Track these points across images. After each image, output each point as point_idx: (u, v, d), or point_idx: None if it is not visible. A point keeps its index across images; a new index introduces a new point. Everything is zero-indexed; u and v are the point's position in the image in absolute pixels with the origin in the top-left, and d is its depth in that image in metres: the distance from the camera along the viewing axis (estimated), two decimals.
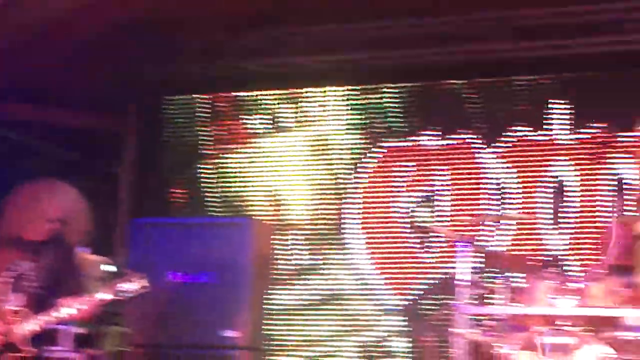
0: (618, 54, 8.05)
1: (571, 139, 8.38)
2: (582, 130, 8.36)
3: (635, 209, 7.93)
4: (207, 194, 9.33)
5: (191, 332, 7.43)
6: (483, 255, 7.42)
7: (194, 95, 9.48)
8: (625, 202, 8.11)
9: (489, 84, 8.62)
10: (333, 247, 8.86)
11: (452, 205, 8.58)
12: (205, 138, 9.41)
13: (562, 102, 8.41)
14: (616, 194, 8.16)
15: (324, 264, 8.83)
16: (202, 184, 9.36)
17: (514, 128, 8.52)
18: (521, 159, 8.49)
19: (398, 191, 8.75)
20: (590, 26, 7.88)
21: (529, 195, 8.41)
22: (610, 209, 8.17)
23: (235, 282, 7.49)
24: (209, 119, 9.42)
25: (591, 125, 8.32)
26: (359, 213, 8.88)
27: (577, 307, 6.19)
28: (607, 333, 6.13)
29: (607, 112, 8.25)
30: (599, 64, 8.19)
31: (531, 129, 8.49)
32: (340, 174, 8.96)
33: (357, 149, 8.94)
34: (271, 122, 9.24)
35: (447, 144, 8.66)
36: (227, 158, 9.32)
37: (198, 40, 8.71)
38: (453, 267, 6.62)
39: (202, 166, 9.38)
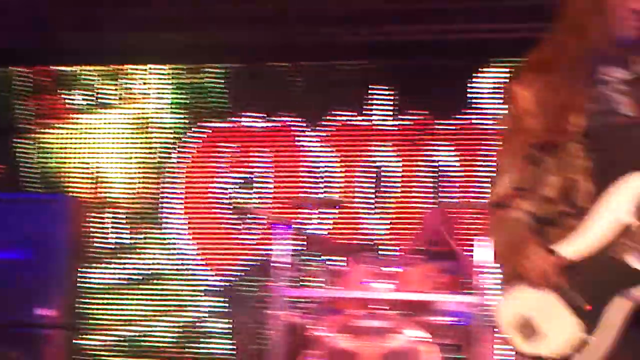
0: (440, 42, 8.21)
1: (392, 125, 8.49)
2: (403, 117, 8.47)
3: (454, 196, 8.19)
4: (24, 170, 9.04)
5: (3, 309, 7.20)
6: (302, 238, 7.46)
7: (10, 68, 9.14)
8: (444, 189, 8.30)
9: (312, 67, 8.64)
10: (153, 226, 8.75)
11: (273, 188, 8.59)
12: (23, 112, 9.10)
13: (385, 87, 8.52)
14: (435, 181, 8.33)
15: (143, 243, 8.71)
16: (19, 160, 9.07)
17: (336, 112, 8.56)
18: (343, 143, 8.56)
19: (219, 172, 8.70)
20: (413, 13, 7.95)
21: (350, 179, 8.50)
22: (429, 195, 8.34)
23: (49, 260, 7.29)
24: (27, 92, 9.12)
25: (412, 111, 8.44)
26: (179, 193, 8.79)
27: (393, 292, 6.29)
28: (422, 317, 6.27)
29: (428, 99, 8.38)
30: (420, 50, 8.31)
31: (353, 113, 8.56)
32: (162, 153, 8.84)
33: (180, 128, 8.83)
34: (93, 98, 9.02)
35: (270, 127, 8.66)
36: (45, 133, 9.05)
37: (17, 13, 8.38)
38: (272, 250, 6.64)
39: (19, 141, 9.07)
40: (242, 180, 8.66)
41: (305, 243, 7.59)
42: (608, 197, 2.88)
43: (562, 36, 3.14)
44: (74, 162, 9.00)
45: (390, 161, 8.46)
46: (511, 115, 3.19)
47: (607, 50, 3.06)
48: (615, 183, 2.87)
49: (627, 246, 2.83)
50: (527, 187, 3.08)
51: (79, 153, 9.01)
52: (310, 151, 8.61)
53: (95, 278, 8.66)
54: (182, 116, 8.84)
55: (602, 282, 2.83)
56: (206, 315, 8.52)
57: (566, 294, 2.87)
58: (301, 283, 6.89)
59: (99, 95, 9.00)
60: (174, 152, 8.82)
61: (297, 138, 8.65)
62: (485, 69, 8.38)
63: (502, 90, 8.03)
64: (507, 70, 8.27)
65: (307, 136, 8.63)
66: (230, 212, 8.61)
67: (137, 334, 8.61)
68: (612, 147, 2.95)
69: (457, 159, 8.33)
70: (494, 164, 8.06)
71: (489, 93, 8.34)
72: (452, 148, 8.35)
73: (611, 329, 2.79)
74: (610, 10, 3.03)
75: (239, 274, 8.53)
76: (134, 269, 8.71)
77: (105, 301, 8.68)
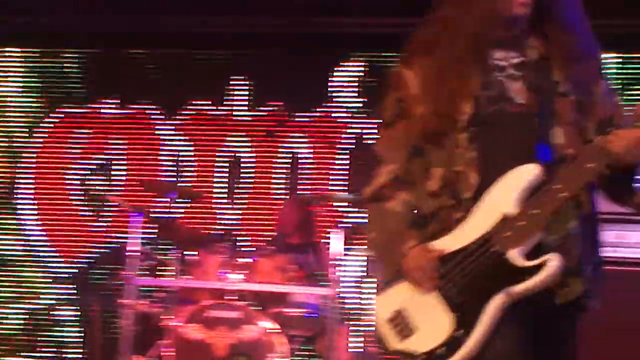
0: (300, 34, 8.25)
1: (249, 115, 8.52)
2: (259, 108, 8.51)
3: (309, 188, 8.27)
4: None
5: None
6: (156, 226, 7.42)
7: None
8: (299, 181, 8.38)
9: (170, 55, 8.59)
10: (5, 212, 8.56)
11: (127, 176, 8.50)
12: None
13: (242, 78, 8.53)
14: (290, 172, 8.39)
15: None
16: None
17: (193, 101, 8.55)
18: (198, 132, 8.54)
19: (73, 158, 8.56)
20: (273, 4, 7.95)
21: (206, 169, 8.49)
22: (284, 187, 8.40)
23: None
24: None
25: (269, 103, 8.49)
26: (31, 178, 8.62)
27: (245, 283, 6.33)
28: (274, 309, 6.31)
29: (285, 91, 8.42)
30: (279, 42, 8.34)
31: (210, 102, 8.55)
32: (14, 137, 8.65)
33: (34, 112, 8.66)
34: None
35: (126, 113, 8.57)
36: None
37: None
38: (125, 238, 6.59)
39: None
40: (96, 167, 8.55)
41: (158, 231, 7.55)
42: (492, 189, 2.72)
43: (448, 13, 2.93)
44: None
45: (245, 151, 8.48)
46: (396, 100, 2.99)
47: (498, 31, 2.87)
48: (501, 174, 2.72)
49: (509, 240, 2.66)
50: (409, 178, 2.91)
51: None
52: (166, 139, 8.57)
53: None
54: (36, 101, 8.66)
55: (483, 278, 2.68)
56: (56, 302, 8.39)
57: (444, 289, 2.74)
58: (154, 272, 6.84)
59: None
60: (28, 137, 8.64)
61: (152, 126, 8.59)
62: (344, 63, 8.47)
63: (359, 84, 8.29)
64: (366, 64, 8.40)
65: (163, 124, 8.57)
66: (83, 198, 8.50)
67: None
68: (500, 137, 2.79)
69: (312, 151, 8.41)
70: (348, 157, 8.28)
71: (347, 86, 8.45)
72: (308, 140, 8.42)
73: (488, 327, 2.65)
74: None
75: (90, 261, 8.43)
76: None
77: None
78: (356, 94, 8.41)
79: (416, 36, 3.01)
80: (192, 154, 8.51)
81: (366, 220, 3.04)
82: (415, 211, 2.89)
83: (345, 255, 6.95)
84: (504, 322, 2.65)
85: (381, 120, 3.03)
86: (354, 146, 8.34)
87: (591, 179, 2.69)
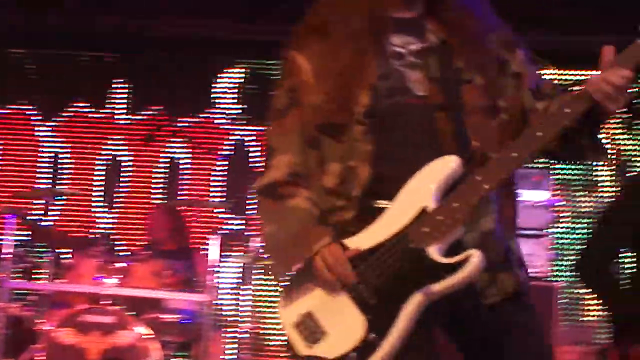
0: (183, 39, 8.20)
1: (128, 119, 8.48)
2: (139, 112, 8.48)
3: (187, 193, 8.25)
4: None
5: None
6: (31, 229, 7.32)
7: None
8: (179, 187, 8.37)
9: (51, 56, 8.48)
10: None
11: (2, 177, 8.36)
12: None
13: (123, 81, 8.48)
14: (169, 177, 8.38)
15: None
16: None
17: (74, 103, 8.45)
18: (78, 135, 8.45)
19: None
20: (153, 8, 7.89)
21: (84, 171, 8.41)
22: (160, 191, 8.38)
23: None
24: None
25: (149, 107, 8.46)
26: None
27: (120, 287, 6.29)
28: (149, 314, 6.30)
29: (166, 95, 8.42)
30: (161, 46, 8.30)
31: (89, 104, 8.47)
32: None
33: None
34: None
35: (4, 114, 8.43)
36: None
37: None
38: None
39: None
40: None
41: (32, 234, 7.45)
42: (410, 181, 2.51)
43: None
44: None
45: (123, 155, 8.43)
46: (288, 88, 2.75)
47: (393, 9, 2.67)
48: (399, 170, 2.53)
49: (428, 235, 2.45)
50: (306, 173, 2.69)
51: None
52: (44, 141, 8.45)
53: None
54: None
55: (399, 277, 2.46)
56: None
57: (356, 290, 2.51)
58: (27, 275, 6.74)
59: None
60: None
61: (31, 127, 8.46)
62: (226, 69, 8.51)
63: (240, 91, 8.32)
64: (247, 71, 8.45)
65: (41, 125, 8.46)
66: None
67: None
68: (399, 131, 2.58)
69: (190, 156, 8.42)
70: (226, 163, 8.26)
71: (228, 93, 8.48)
72: (187, 145, 8.43)
73: (405, 329, 2.43)
74: None
75: None
76: None
77: None
78: (236, 101, 8.45)
79: (309, 16, 2.78)
80: (70, 156, 8.41)
81: (259, 215, 2.81)
82: (318, 208, 2.67)
83: (221, 261, 6.98)
84: (422, 324, 2.46)
85: (273, 109, 2.78)
86: (233, 152, 8.38)
87: (551, 138, 2.48)
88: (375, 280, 2.48)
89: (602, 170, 7.94)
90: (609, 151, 7.58)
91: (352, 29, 2.64)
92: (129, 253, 7.79)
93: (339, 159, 2.61)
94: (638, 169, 7.77)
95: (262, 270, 7.61)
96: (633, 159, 7.83)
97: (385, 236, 2.51)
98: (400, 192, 2.52)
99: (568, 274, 7.16)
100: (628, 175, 7.72)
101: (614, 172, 7.87)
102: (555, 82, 2.81)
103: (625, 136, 7.86)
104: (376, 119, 2.58)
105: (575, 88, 2.63)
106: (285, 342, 2.64)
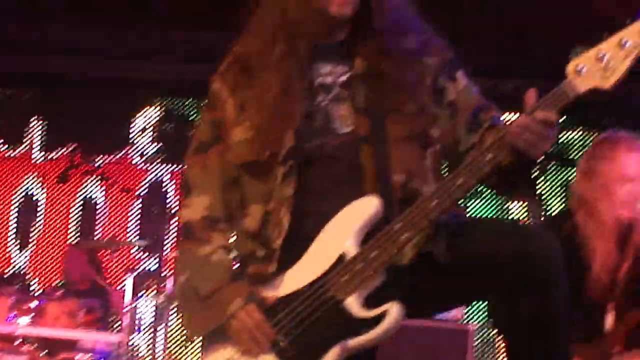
0: (99, 78, 8.13)
1: (44, 157, 8.43)
2: (54, 150, 8.45)
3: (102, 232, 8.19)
4: None
5: None
6: None
7: None
8: (94, 226, 8.31)
9: None
10: None
11: None
12: None
13: (40, 119, 8.44)
14: (83, 216, 8.33)
15: None
16: None
17: None
18: None
19: None
20: (74, 46, 7.86)
21: None
22: (76, 230, 8.34)
23: None
24: None
25: (64, 145, 8.43)
26: None
27: (33, 327, 6.20)
28: (62, 354, 6.21)
29: (80, 133, 8.38)
30: (77, 84, 8.26)
31: (4, 142, 8.43)
32: None
33: None
34: None
35: None
36: None
37: None
38: None
39: None
40: None
41: None
42: (330, 223, 2.39)
43: (261, 19, 2.58)
44: None
45: (39, 192, 8.37)
46: (212, 122, 2.62)
47: (317, 29, 2.53)
48: (319, 215, 2.40)
49: (346, 285, 2.33)
50: (224, 216, 2.56)
51: None
52: None
53: None
54: None
55: (317, 327, 2.34)
56: None
57: (275, 344, 2.38)
58: None
59: None
60: None
61: None
62: (143, 108, 8.51)
63: (156, 130, 8.29)
64: (164, 110, 8.47)
65: None
66: None
67: None
68: (321, 173, 2.46)
69: (105, 195, 8.38)
70: (142, 202, 8.18)
71: (145, 131, 8.48)
72: (102, 184, 8.40)
73: None
74: None
75: None
76: None
77: None
78: (152, 139, 8.45)
79: (234, 46, 2.64)
80: None
81: (178, 263, 2.68)
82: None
83: (136, 301, 6.94)
84: None
85: (195, 141, 2.65)
86: (149, 192, 8.37)
87: (470, 186, 2.35)
88: (294, 330, 2.36)
89: (515, 210, 8.07)
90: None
91: (276, 60, 2.51)
92: (43, 292, 7.72)
93: (260, 201, 2.48)
94: (551, 211, 7.90)
95: (177, 311, 7.58)
96: (546, 201, 7.97)
97: (303, 282, 2.39)
98: (320, 233, 2.40)
99: (482, 316, 7.26)
100: (541, 216, 7.85)
101: (527, 213, 8.01)
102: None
103: (540, 178, 7.98)
104: (299, 160, 2.45)
105: (502, 124, 2.45)
106: None
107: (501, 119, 2.41)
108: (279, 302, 2.40)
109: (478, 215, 7.77)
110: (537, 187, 7.94)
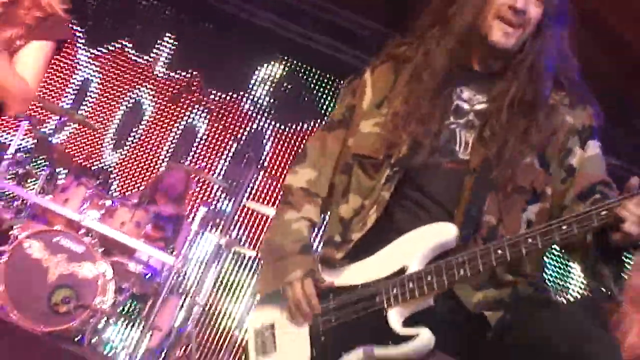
0: (239, 19, 8.28)
1: (164, 74, 8.64)
2: (176, 70, 8.62)
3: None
4: None
5: None
6: (38, 140, 7.33)
7: None
8: (189, 152, 8.47)
9: None
10: None
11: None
12: None
13: (173, 37, 8.65)
14: (181, 139, 8.50)
15: None
16: None
17: (121, 41, 8.63)
18: (113, 71, 8.58)
19: None
20: None
21: (107, 106, 8.55)
22: (169, 149, 8.54)
23: None
24: None
25: (186, 69, 8.59)
26: None
27: (99, 223, 6.30)
28: (116, 257, 6.31)
29: (205, 63, 8.53)
30: (217, 18, 8.42)
31: (133, 47, 8.64)
32: None
33: None
34: None
35: None
36: None
37: None
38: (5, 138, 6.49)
39: None
40: None
41: (37, 145, 7.46)
42: (406, 235, 2.45)
43: (427, 26, 2.64)
44: None
45: (145, 103, 8.53)
46: (348, 105, 2.75)
47: (476, 67, 2.59)
48: (408, 227, 2.46)
49: (395, 298, 2.39)
50: (325, 195, 2.71)
51: None
52: (81, 65, 8.58)
53: None
54: None
55: (353, 325, 2.46)
56: None
57: (315, 321, 2.54)
58: (20, 180, 6.71)
59: None
60: None
61: (75, 49, 8.55)
62: (270, 62, 8.61)
63: (273, 86, 8.26)
64: (286, 71, 8.56)
65: (84, 50, 8.56)
66: None
67: None
68: (423, 184, 2.51)
69: (207, 127, 8.47)
70: (238, 146, 8.01)
71: (264, 83, 8.61)
72: (208, 118, 8.53)
73: None
74: (478, 3, 2.53)
75: None
76: None
77: None
78: (267, 94, 8.54)
79: (393, 44, 2.73)
80: (98, 88, 8.55)
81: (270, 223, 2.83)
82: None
83: (200, 236, 7.03)
84: None
85: (330, 117, 2.79)
86: (246, 138, 8.49)
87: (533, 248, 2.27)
88: (334, 320, 2.49)
89: (575, 276, 8.00)
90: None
91: (430, 75, 2.56)
92: (121, 195, 7.84)
93: (362, 194, 2.59)
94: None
95: (232, 257, 7.65)
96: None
97: (359, 281, 2.49)
98: (393, 242, 2.47)
99: None
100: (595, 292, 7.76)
101: (584, 283, 7.92)
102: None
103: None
104: (406, 170, 2.52)
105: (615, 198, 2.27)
106: (244, 343, 2.72)
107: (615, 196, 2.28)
108: (332, 290, 2.52)
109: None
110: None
